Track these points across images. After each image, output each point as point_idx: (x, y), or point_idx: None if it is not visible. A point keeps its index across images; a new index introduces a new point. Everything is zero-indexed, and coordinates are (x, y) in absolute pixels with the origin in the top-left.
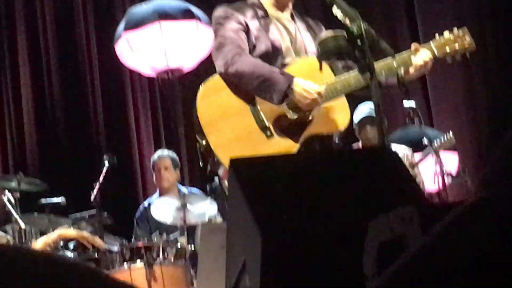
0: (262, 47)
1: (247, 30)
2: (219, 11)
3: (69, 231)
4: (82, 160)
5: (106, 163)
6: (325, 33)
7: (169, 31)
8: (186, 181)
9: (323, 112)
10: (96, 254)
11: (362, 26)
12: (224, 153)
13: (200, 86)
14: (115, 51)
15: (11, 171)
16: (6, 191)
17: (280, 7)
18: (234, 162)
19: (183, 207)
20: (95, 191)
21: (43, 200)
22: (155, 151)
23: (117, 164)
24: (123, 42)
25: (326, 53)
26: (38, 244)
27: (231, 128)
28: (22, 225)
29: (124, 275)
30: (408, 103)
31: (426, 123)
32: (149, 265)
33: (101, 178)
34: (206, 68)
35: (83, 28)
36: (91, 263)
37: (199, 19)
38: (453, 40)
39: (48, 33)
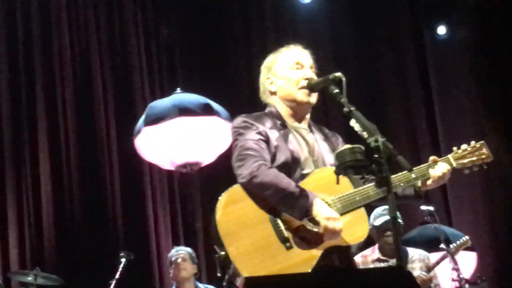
0: (282, 157)
1: (267, 140)
2: (238, 121)
3: None
4: (100, 256)
5: (123, 260)
6: (343, 146)
7: (188, 126)
8: (203, 278)
9: (343, 223)
10: None
11: (379, 140)
12: (243, 264)
13: (220, 197)
14: (134, 144)
15: (28, 266)
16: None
17: (298, 118)
18: (249, 281)
19: None
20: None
21: None
22: (172, 246)
23: (134, 259)
24: (143, 136)
25: (343, 166)
26: None
27: (250, 239)
28: None
29: None
30: (426, 207)
31: (444, 221)
32: None
33: (117, 275)
34: (224, 162)
35: (103, 120)
36: None
37: (218, 114)
38: (471, 152)
39: (68, 125)
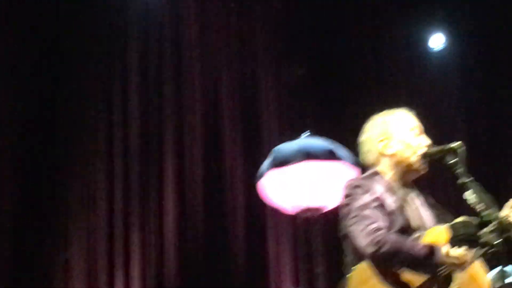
0: (396, 224)
1: (383, 207)
2: (353, 183)
3: None
4: None
5: None
6: (457, 218)
7: (313, 170)
8: None
9: (465, 281)
10: None
11: (496, 214)
12: None
13: (347, 279)
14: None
15: None
16: None
17: (405, 183)
18: None
19: None
20: None
21: None
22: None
23: None
24: (267, 179)
25: (456, 239)
26: None
27: None
28: None
29: None
30: None
31: None
32: None
33: None
34: None
35: (230, 158)
36: None
37: (343, 159)
38: None
39: (195, 160)
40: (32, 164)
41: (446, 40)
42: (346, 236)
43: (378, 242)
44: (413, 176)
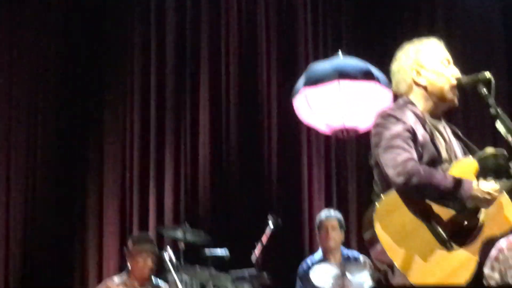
0: (426, 156)
1: (414, 137)
2: (385, 112)
3: None
4: (251, 215)
5: (270, 224)
6: (486, 150)
7: (347, 90)
8: (353, 243)
9: (492, 213)
10: None
11: None
12: (414, 277)
13: (375, 206)
14: (293, 104)
15: (181, 220)
16: (168, 247)
17: (437, 114)
18: None
19: (343, 275)
20: (256, 251)
21: (207, 251)
22: (325, 207)
23: (283, 222)
24: (302, 98)
25: (484, 170)
26: None
27: (413, 250)
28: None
29: None
30: None
31: None
32: None
33: (263, 239)
34: None
35: (265, 77)
36: None
37: (378, 80)
38: None
39: (230, 80)
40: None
41: None
42: (376, 164)
43: (408, 172)
44: (444, 107)
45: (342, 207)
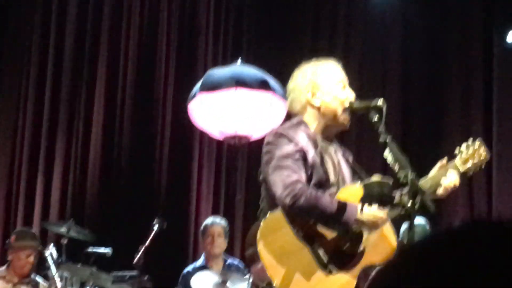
0: (315, 178)
1: (304, 159)
2: (278, 131)
3: None
4: (137, 216)
5: (156, 227)
6: (372, 178)
7: (243, 98)
8: (236, 251)
9: (374, 241)
10: None
11: (409, 176)
12: None
13: (260, 223)
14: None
15: (67, 216)
16: (51, 245)
17: (328, 136)
18: None
19: (223, 284)
20: (139, 253)
21: (90, 249)
22: (212, 213)
23: (169, 226)
24: (197, 102)
25: (369, 197)
26: None
27: (293, 269)
28: (59, 285)
29: None
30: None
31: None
32: None
33: (147, 241)
34: None
35: (162, 78)
36: None
37: (274, 91)
38: (472, 155)
39: (128, 77)
40: None
41: None
42: (264, 182)
43: (296, 195)
44: (336, 130)
45: (229, 214)
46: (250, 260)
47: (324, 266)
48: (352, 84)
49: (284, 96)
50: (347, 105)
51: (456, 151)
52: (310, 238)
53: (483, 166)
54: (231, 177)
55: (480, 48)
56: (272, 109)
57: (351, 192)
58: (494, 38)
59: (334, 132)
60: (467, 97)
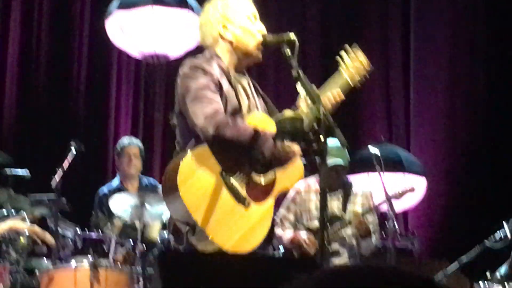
0: (229, 108)
1: (220, 90)
2: (192, 63)
3: (21, 224)
4: (55, 138)
5: (73, 150)
6: (284, 114)
7: (160, 16)
8: (155, 168)
9: (281, 169)
10: (45, 249)
11: (320, 110)
12: (216, 236)
13: (178, 166)
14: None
15: None
16: None
17: (240, 69)
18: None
19: (141, 205)
20: (57, 176)
21: (7, 171)
22: (131, 133)
23: (87, 147)
24: (114, 20)
25: (281, 133)
26: None
27: (215, 210)
28: None
29: (68, 274)
30: (373, 150)
31: (402, 139)
32: (94, 267)
33: (65, 164)
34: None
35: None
36: (39, 258)
37: (192, 9)
38: (354, 62)
39: None
40: None
41: None
42: (181, 116)
43: (218, 124)
44: (248, 63)
45: (147, 134)
46: (170, 204)
47: (241, 200)
48: (270, 14)
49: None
50: (259, 38)
51: (340, 63)
52: (227, 175)
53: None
54: (150, 97)
55: None
56: (190, 27)
57: (260, 119)
58: None
59: (247, 64)
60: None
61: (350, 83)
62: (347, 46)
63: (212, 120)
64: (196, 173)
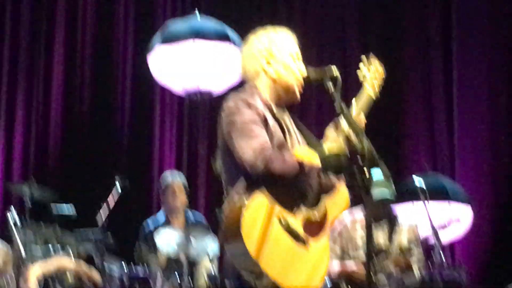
0: (276, 141)
1: (265, 124)
2: (235, 99)
3: (69, 263)
4: (100, 174)
5: (117, 185)
6: (327, 149)
7: (202, 50)
8: (200, 203)
9: (329, 198)
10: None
11: (365, 143)
12: (286, 283)
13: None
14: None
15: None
16: (12, 207)
17: (280, 105)
18: None
19: (187, 240)
20: (101, 211)
21: (53, 208)
22: (175, 169)
23: (131, 182)
24: (156, 55)
25: (326, 169)
26: (35, 270)
27: (276, 255)
28: (23, 253)
29: None
30: (418, 180)
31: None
32: None
33: (109, 199)
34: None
35: (122, 30)
36: None
37: (233, 42)
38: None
39: (87, 31)
40: None
41: None
42: (226, 150)
43: (268, 159)
44: (286, 101)
45: (192, 168)
46: (233, 255)
47: (301, 240)
48: (311, 49)
49: None
50: (300, 78)
51: (360, 78)
52: (283, 218)
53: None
54: (193, 132)
55: (438, 18)
56: (233, 61)
57: (305, 153)
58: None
59: (285, 102)
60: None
61: (373, 96)
62: (363, 57)
63: (260, 155)
64: (257, 223)
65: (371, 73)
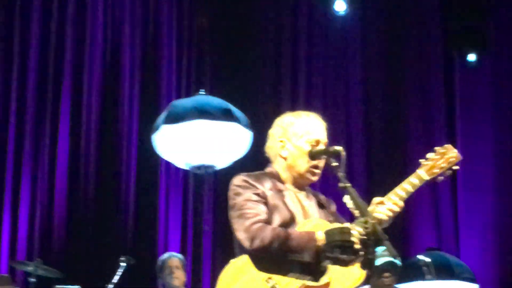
0: (279, 218)
1: (265, 202)
2: (238, 180)
3: None
4: (106, 252)
5: (123, 264)
6: (334, 224)
7: (207, 129)
8: (206, 281)
9: (338, 272)
10: None
11: (370, 222)
12: None
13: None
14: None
15: (35, 255)
16: None
17: (298, 186)
18: None
19: None
20: None
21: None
22: (181, 243)
23: (137, 260)
24: (161, 134)
25: (331, 245)
26: None
27: None
28: None
29: None
30: (423, 258)
31: (451, 245)
32: None
33: (115, 279)
34: (240, 168)
35: (126, 112)
36: None
37: (238, 121)
38: (439, 159)
39: (92, 111)
40: None
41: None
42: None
43: (253, 236)
44: (303, 183)
45: (197, 246)
46: None
47: None
48: (316, 106)
49: (248, 125)
50: (313, 162)
51: (422, 161)
52: (272, 279)
53: (455, 167)
54: (198, 209)
55: (440, 68)
56: (237, 139)
57: (313, 225)
58: (455, 56)
59: (301, 183)
60: (428, 112)
61: (428, 178)
62: (436, 148)
63: (248, 233)
64: (239, 280)
65: (436, 158)
